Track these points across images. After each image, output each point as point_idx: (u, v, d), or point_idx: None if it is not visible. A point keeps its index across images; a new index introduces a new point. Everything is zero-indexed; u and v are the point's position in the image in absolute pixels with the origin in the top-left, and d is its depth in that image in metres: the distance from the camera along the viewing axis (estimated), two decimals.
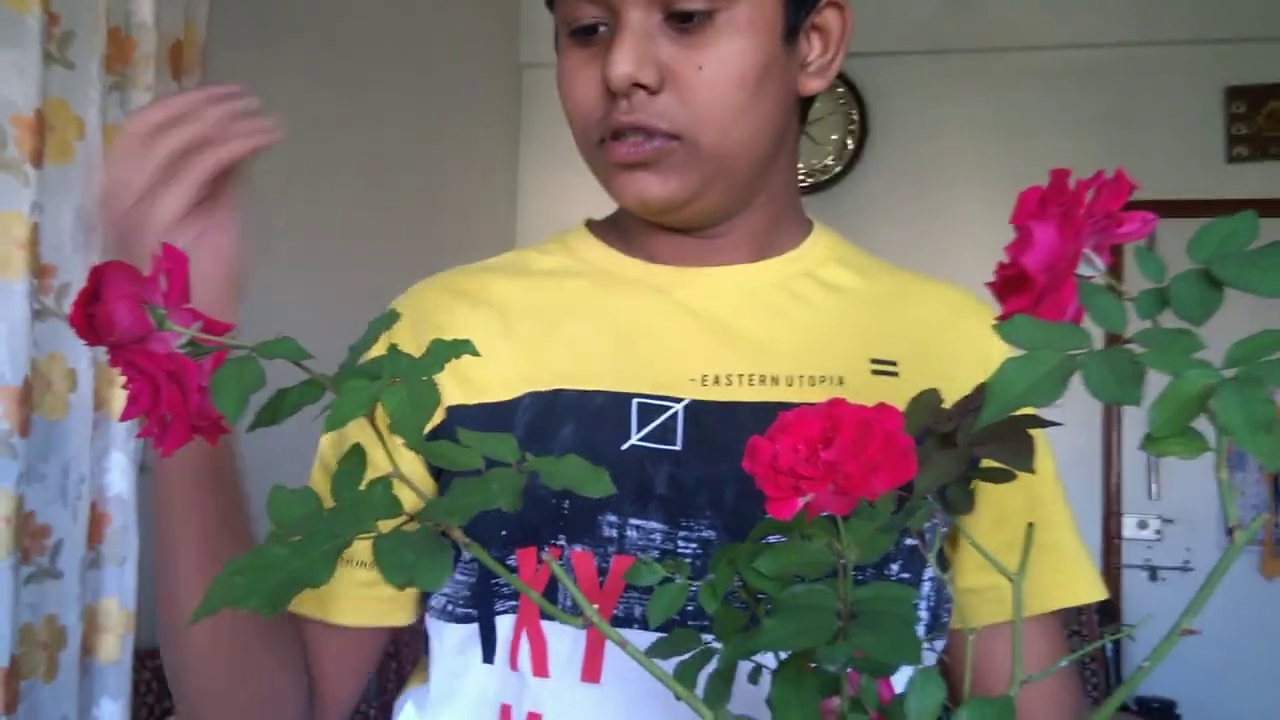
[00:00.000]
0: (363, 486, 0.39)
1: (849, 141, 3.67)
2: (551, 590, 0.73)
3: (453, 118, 3.35)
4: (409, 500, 0.40)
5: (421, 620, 0.84)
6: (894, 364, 0.80)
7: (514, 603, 0.75)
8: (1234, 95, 3.45)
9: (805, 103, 0.83)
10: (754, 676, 0.47)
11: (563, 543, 0.73)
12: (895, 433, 0.39)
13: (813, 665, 0.43)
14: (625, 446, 0.75)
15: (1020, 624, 0.45)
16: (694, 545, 0.73)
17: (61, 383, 1.86)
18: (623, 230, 0.86)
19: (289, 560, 0.35)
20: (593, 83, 0.75)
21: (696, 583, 0.48)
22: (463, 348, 0.41)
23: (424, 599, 0.82)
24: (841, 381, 0.78)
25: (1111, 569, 3.44)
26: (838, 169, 3.67)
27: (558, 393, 0.77)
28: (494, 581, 0.76)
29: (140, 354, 0.38)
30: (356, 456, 0.41)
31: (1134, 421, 3.48)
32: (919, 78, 3.64)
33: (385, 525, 0.38)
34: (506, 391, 0.78)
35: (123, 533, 2.00)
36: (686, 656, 0.47)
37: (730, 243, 0.82)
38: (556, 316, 0.81)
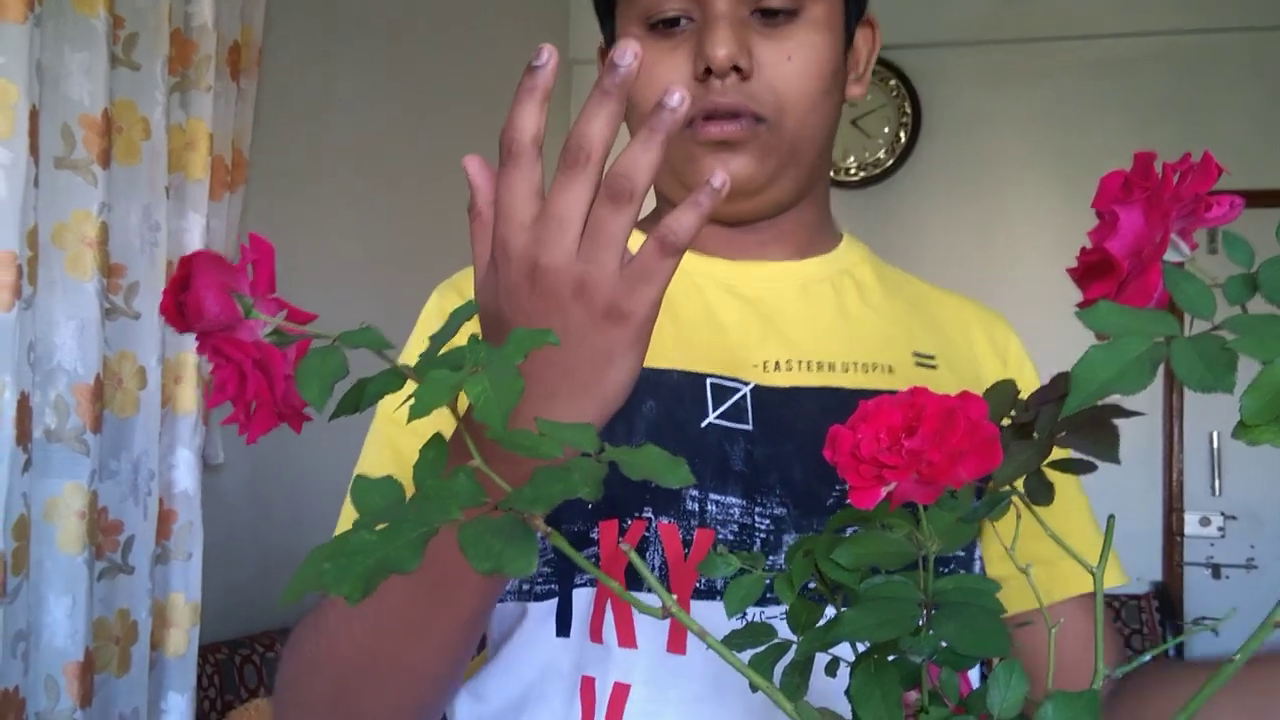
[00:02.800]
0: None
1: (901, 134, 3.64)
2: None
3: (505, 112, 3.37)
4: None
5: None
6: (933, 357, 0.86)
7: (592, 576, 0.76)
8: None
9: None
10: (831, 669, 0.46)
11: (649, 515, 0.76)
12: (980, 420, 0.39)
13: (891, 658, 0.43)
14: (704, 424, 0.78)
15: (1101, 617, 0.44)
16: (768, 521, 0.77)
17: (132, 380, 1.89)
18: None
19: (378, 547, 0.35)
20: (678, 70, 0.78)
21: (770, 574, 0.48)
22: (543, 337, 0.41)
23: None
24: (891, 370, 0.83)
25: (1173, 566, 3.38)
26: (889, 163, 3.64)
27: None
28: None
29: (227, 342, 0.38)
30: (438, 446, 0.41)
31: (1195, 417, 3.42)
32: (971, 69, 3.60)
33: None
34: None
35: (188, 528, 2.04)
36: (761, 649, 0.47)
37: (777, 239, 0.87)
38: None
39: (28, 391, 1.64)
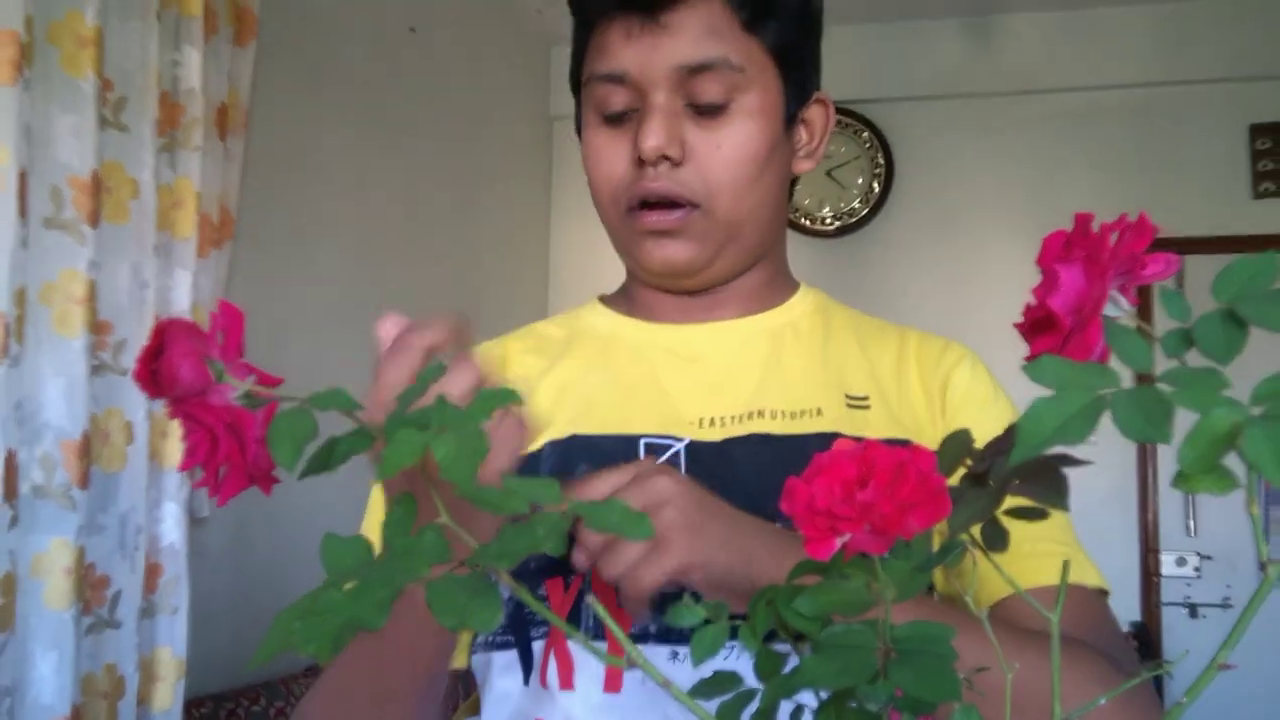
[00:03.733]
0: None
1: (875, 185, 3.69)
2: (575, 614, 0.81)
3: (488, 168, 3.41)
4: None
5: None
6: (865, 398, 0.90)
7: (546, 628, 0.83)
8: (1258, 132, 3.45)
9: (792, 181, 0.95)
10: (795, 717, 0.47)
11: (586, 570, 0.77)
12: (929, 473, 0.40)
13: (852, 704, 0.44)
14: None
15: (1058, 663, 0.45)
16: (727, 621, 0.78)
17: (119, 435, 1.90)
18: (630, 297, 0.97)
19: (346, 606, 0.37)
20: (621, 157, 0.86)
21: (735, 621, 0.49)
22: (508, 396, 0.42)
23: (472, 638, 0.89)
24: (820, 413, 0.87)
25: (1151, 606, 3.39)
26: (864, 212, 3.69)
27: (572, 437, 0.86)
28: (527, 611, 0.84)
29: (200, 406, 0.40)
30: (406, 504, 0.42)
31: (1169, 459, 3.44)
32: (942, 122, 3.66)
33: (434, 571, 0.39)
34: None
35: (175, 582, 2.03)
36: (729, 697, 0.48)
37: (725, 301, 0.93)
38: (569, 377, 0.91)
39: (14, 449, 1.65)
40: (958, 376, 0.92)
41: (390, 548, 0.40)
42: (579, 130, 0.92)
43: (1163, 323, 0.43)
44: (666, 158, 0.83)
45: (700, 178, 0.84)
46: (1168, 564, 3.43)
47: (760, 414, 0.87)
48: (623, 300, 0.98)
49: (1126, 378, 0.41)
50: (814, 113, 0.93)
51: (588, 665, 0.80)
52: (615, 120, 0.86)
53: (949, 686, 0.39)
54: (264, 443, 0.41)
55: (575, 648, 0.80)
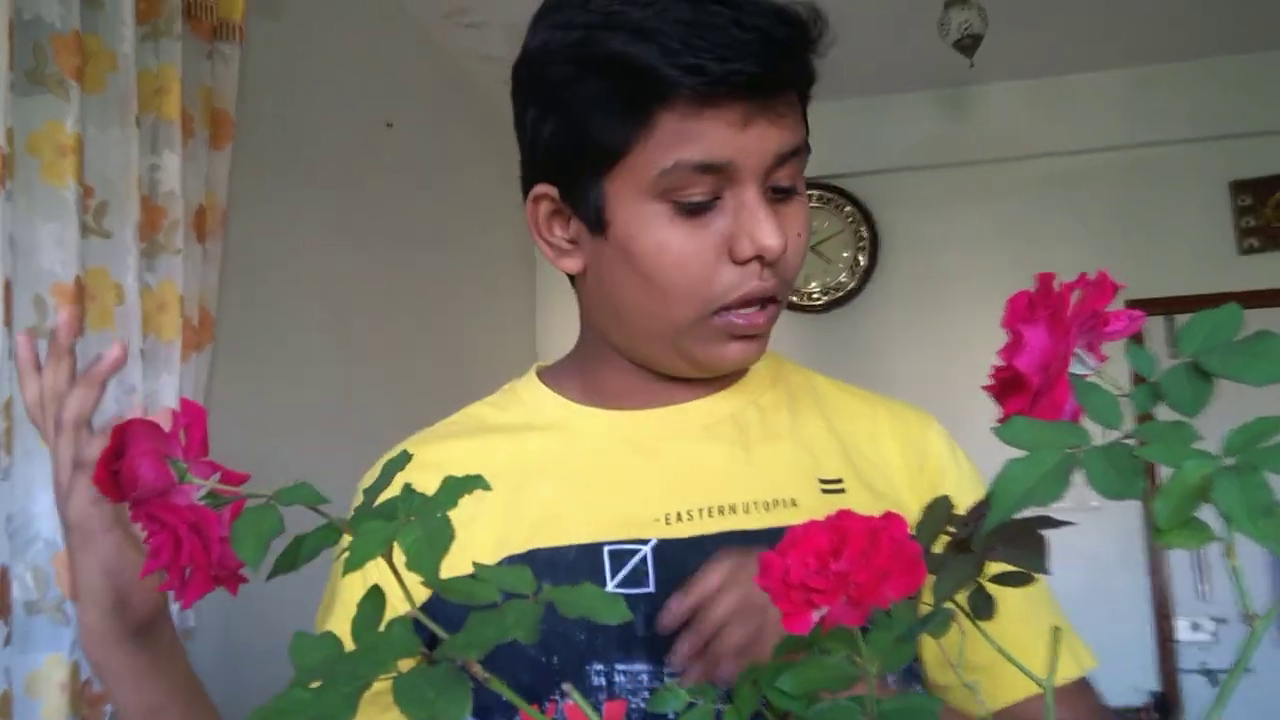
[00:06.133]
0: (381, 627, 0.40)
1: (860, 258, 3.72)
2: None
3: (469, 260, 3.44)
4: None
5: None
6: (839, 481, 0.85)
7: None
8: (1240, 189, 3.49)
9: None
10: None
11: (557, 696, 0.75)
12: (903, 540, 0.40)
13: None
14: None
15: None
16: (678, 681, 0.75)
17: None
18: (586, 376, 0.90)
19: (312, 703, 0.36)
20: (706, 253, 0.76)
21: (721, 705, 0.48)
22: (475, 483, 0.42)
23: None
24: (795, 503, 0.82)
25: (1169, 673, 3.32)
26: (851, 285, 3.72)
27: (532, 553, 0.80)
28: None
29: (162, 507, 0.39)
30: (375, 598, 0.42)
31: None
32: (924, 192, 3.71)
33: (404, 664, 0.38)
34: (488, 556, 0.81)
35: None
36: None
37: (692, 386, 0.87)
38: (522, 477, 0.85)
39: (7, 564, 1.63)
40: (936, 443, 0.90)
41: (358, 643, 0.39)
42: (599, 216, 0.78)
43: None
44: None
45: (786, 270, 0.79)
46: (1182, 629, 3.36)
47: (732, 509, 0.81)
48: (569, 377, 0.91)
49: (1100, 435, 0.41)
50: None
51: None
52: (694, 211, 0.76)
53: None
54: (229, 542, 0.40)
55: None
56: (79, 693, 1.75)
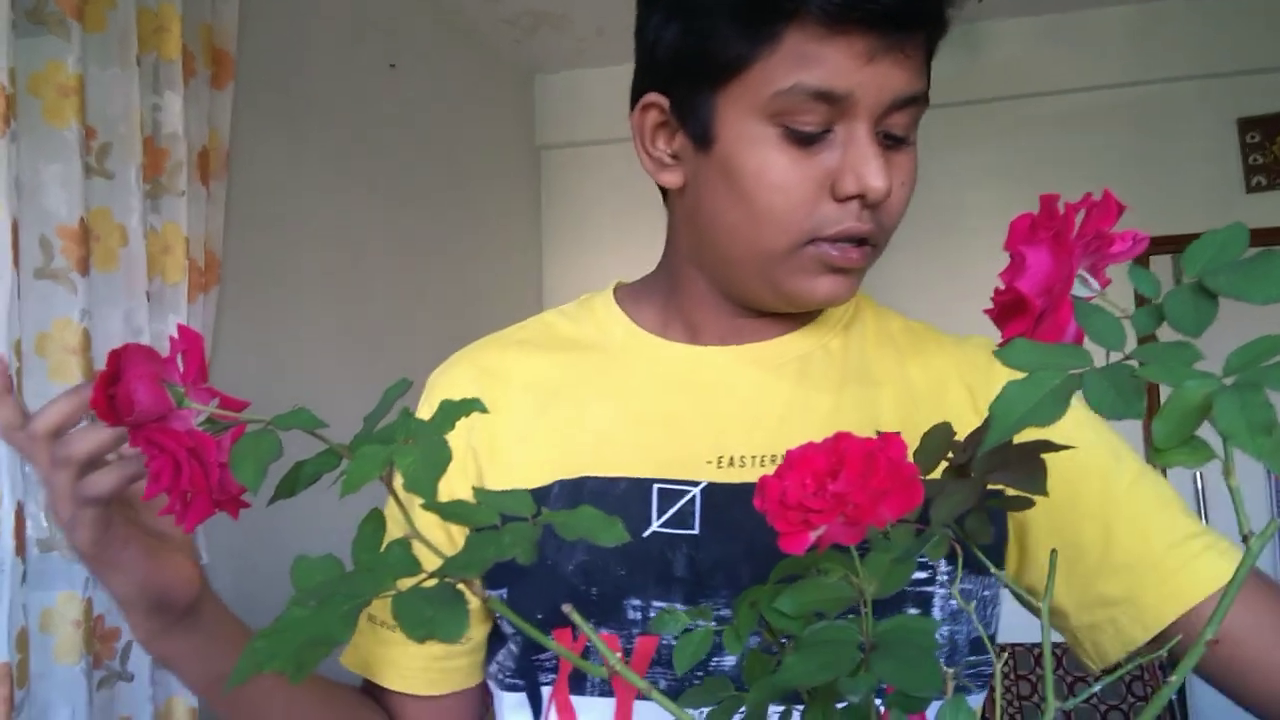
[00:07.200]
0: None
1: None
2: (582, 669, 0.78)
3: (477, 200, 3.42)
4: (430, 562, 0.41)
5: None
6: (898, 434, 0.83)
7: (554, 675, 0.79)
8: (1247, 126, 3.45)
9: None
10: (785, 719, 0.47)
11: (592, 626, 0.76)
12: (900, 460, 0.40)
13: (841, 705, 0.43)
14: (647, 534, 0.78)
15: (1049, 647, 0.45)
16: (713, 624, 0.76)
17: None
18: (665, 302, 0.88)
19: (309, 622, 0.36)
20: (809, 183, 0.75)
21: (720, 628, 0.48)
22: (471, 406, 0.42)
23: (485, 665, 0.87)
24: None
25: None
26: None
27: (583, 480, 0.81)
28: (534, 657, 0.81)
29: (161, 432, 0.39)
30: (375, 520, 0.42)
31: None
32: (930, 132, 3.65)
33: (406, 585, 0.39)
34: (541, 477, 0.82)
35: None
36: (715, 705, 0.47)
37: (769, 322, 0.86)
38: (583, 398, 0.85)
39: (22, 501, 1.64)
40: (999, 377, 0.89)
41: (357, 563, 0.39)
42: (706, 130, 0.77)
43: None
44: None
45: (888, 216, 0.77)
46: None
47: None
48: (645, 301, 0.90)
49: (1101, 358, 0.41)
50: None
51: (589, 716, 0.77)
52: (803, 140, 0.74)
53: (930, 677, 0.38)
54: (228, 467, 0.40)
55: (577, 700, 0.78)
56: (91, 629, 1.78)
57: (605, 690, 0.77)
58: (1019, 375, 1.01)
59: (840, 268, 0.77)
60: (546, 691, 0.79)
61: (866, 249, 0.77)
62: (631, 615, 0.77)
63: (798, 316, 0.86)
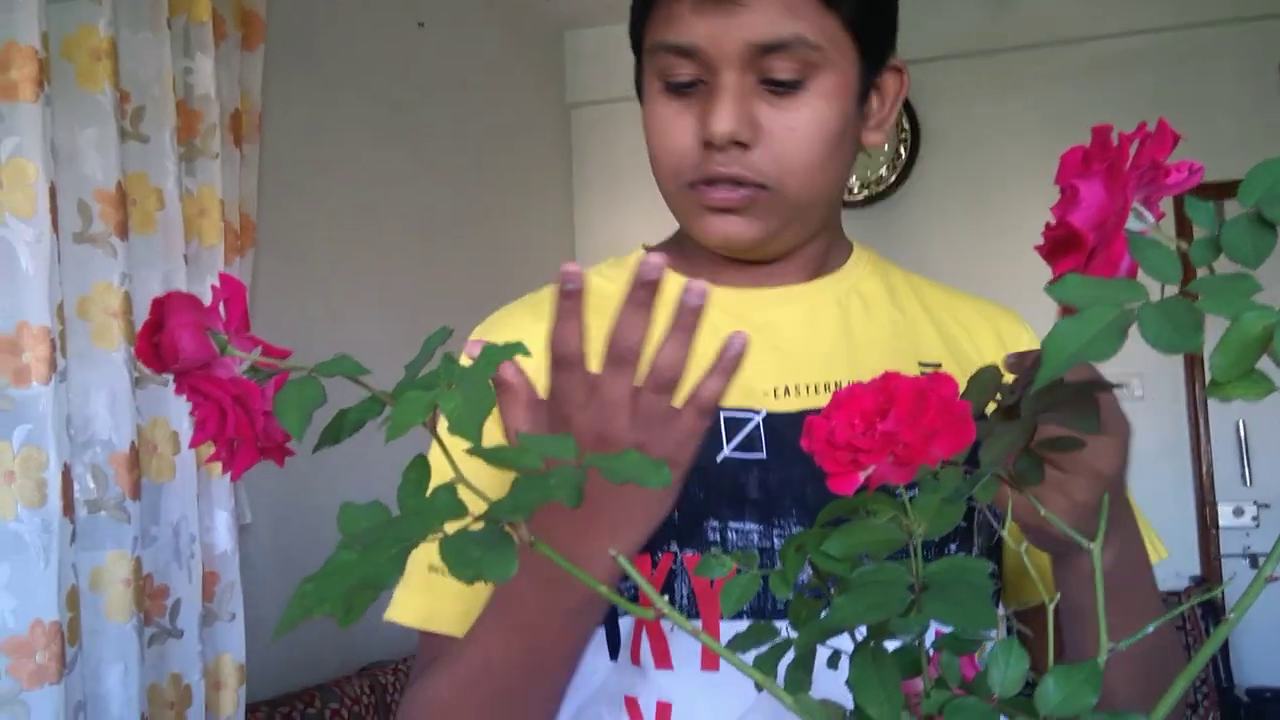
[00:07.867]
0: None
1: (901, 150, 3.64)
2: (668, 589, 0.81)
3: (508, 159, 3.41)
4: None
5: None
6: (938, 365, 0.88)
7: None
8: None
9: None
10: (832, 661, 0.46)
11: (674, 549, 0.80)
12: (951, 399, 0.39)
13: (891, 646, 0.43)
14: (720, 458, 0.82)
15: (1102, 592, 0.44)
16: (758, 571, 0.79)
17: (166, 446, 1.91)
18: (686, 255, 0.92)
19: (357, 565, 0.36)
20: (686, 130, 0.82)
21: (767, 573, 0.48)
22: (515, 349, 0.41)
23: None
24: None
25: (1210, 559, 3.32)
26: (892, 179, 3.65)
27: None
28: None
29: (205, 380, 0.39)
30: (420, 466, 0.42)
31: (1220, 406, 3.38)
32: (964, 81, 3.60)
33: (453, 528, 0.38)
34: None
35: (230, 589, 2.05)
36: (764, 649, 0.47)
37: (788, 267, 0.90)
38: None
39: (69, 462, 1.67)
40: (1026, 340, 0.92)
41: (403, 508, 0.39)
42: (639, 90, 0.88)
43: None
44: (738, 142, 0.79)
45: (772, 160, 0.80)
46: (1225, 515, 3.36)
47: (838, 385, 0.84)
48: (675, 255, 0.91)
49: (1156, 292, 0.40)
50: (888, 79, 0.88)
51: (682, 643, 0.79)
52: (681, 90, 0.81)
53: (984, 615, 0.38)
54: (272, 414, 0.40)
55: (668, 625, 0.79)
56: (141, 588, 1.81)
57: (692, 612, 0.80)
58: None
59: (718, 208, 0.82)
60: (626, 621, 0.81)
61: (747, 191, 0.81)
62: (711, 536, 0.81)
63: (817, 267, 0.91)
